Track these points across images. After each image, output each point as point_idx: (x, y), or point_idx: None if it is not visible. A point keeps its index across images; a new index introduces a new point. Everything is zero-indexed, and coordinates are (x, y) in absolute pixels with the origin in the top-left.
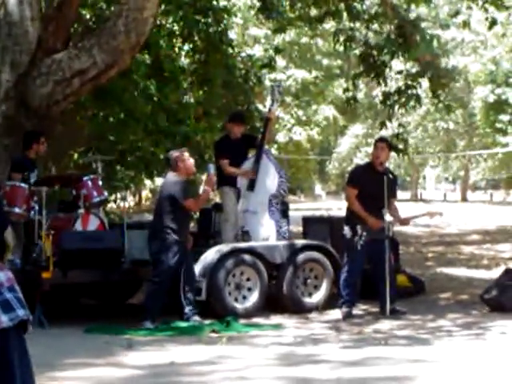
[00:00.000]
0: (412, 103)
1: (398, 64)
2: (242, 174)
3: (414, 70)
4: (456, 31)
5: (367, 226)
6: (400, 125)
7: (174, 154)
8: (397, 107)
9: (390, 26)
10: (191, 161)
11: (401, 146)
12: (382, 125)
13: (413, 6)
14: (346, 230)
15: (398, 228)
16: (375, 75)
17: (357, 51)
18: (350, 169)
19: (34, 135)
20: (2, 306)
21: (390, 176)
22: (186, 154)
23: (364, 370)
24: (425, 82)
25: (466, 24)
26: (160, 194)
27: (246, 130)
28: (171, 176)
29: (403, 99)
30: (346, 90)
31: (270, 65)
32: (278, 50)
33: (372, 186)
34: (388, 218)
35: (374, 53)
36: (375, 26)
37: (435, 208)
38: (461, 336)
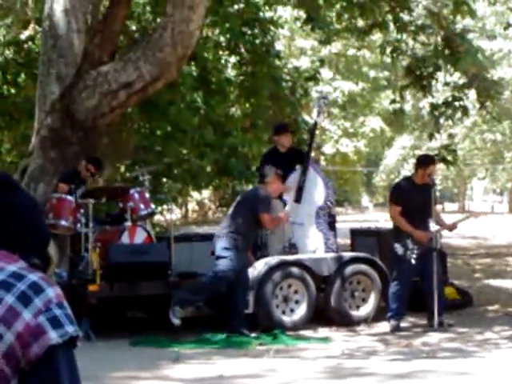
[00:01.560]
0: (459, 115)
1: (446, 75)
2: (285, 191)
3: (461, 82)
4: (503, 42)
5: (416, 240)
6: (450, 135)
7: (275, 171)
8: (443, 119)
9: (437, 38)
10: (281, 187)
11: (449, 158)
12: (431, 136)
13: (459, 17)
14: (398, 247)
15: (445, 240)
16: (422, 87)
17: (404, 63)
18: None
19: (87, 158)
20: (50, 322)
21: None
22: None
23: (412, 382)
24: (472, 93)
25: None
26: (241, 201)
27: (293, 140)
28: (261, 188)
29: (450, 111)
30: (392, 101)
31: (314, 77)
32: (322, 62)
33: (415, 200)
34: (434, 228)
35: (420, 64)
36: (422, 38)
37: (479, 209)
38: (508, 348)
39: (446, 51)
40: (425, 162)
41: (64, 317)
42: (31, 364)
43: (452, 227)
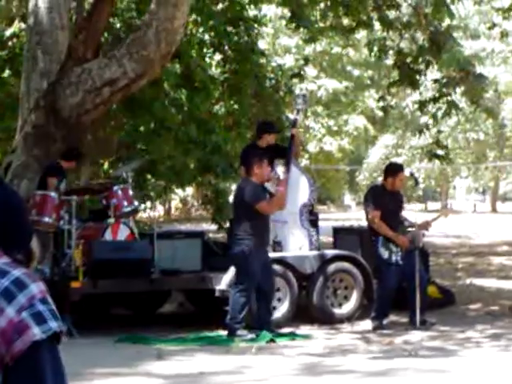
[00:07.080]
0: (452, 111)
1: (434, 72)
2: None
3: (449, 78)
4: (486, 41)
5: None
6: (439, 131)
7: (257, 159)
8: (430, 115)
9: (424, 35)
10: (268, 169)
11: (441, 153)
12: (421, 133)
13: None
14: (382, 251)
15: (428, 239)
16: (411, 83)
17: (390, 61)
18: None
19: (68, 154)
20: (34, 318)
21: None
22: (265, 162)
23: (390, 380)
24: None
25: (503, 35)
26: (234, 199)
27: (277, 139)
28: (246, 180)
29: (439, 106)
30: (381, 98)
31: (299, 75)
32: (306, 61)
33: (389, 205)
34: (415, 229)
35: (408, 61)
36: (408, 35)
37: (450, 208)
38: (490, 347)
39: (433, 49)
40: (394, 170)
41: (48, 312)
42: (15, 360)
43: (425, 226)
